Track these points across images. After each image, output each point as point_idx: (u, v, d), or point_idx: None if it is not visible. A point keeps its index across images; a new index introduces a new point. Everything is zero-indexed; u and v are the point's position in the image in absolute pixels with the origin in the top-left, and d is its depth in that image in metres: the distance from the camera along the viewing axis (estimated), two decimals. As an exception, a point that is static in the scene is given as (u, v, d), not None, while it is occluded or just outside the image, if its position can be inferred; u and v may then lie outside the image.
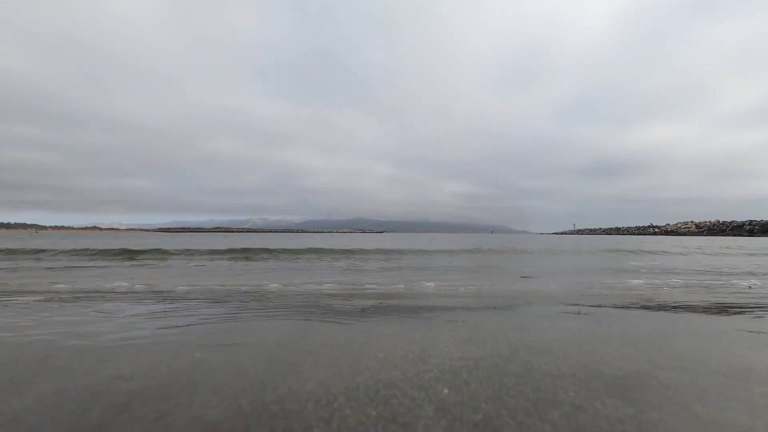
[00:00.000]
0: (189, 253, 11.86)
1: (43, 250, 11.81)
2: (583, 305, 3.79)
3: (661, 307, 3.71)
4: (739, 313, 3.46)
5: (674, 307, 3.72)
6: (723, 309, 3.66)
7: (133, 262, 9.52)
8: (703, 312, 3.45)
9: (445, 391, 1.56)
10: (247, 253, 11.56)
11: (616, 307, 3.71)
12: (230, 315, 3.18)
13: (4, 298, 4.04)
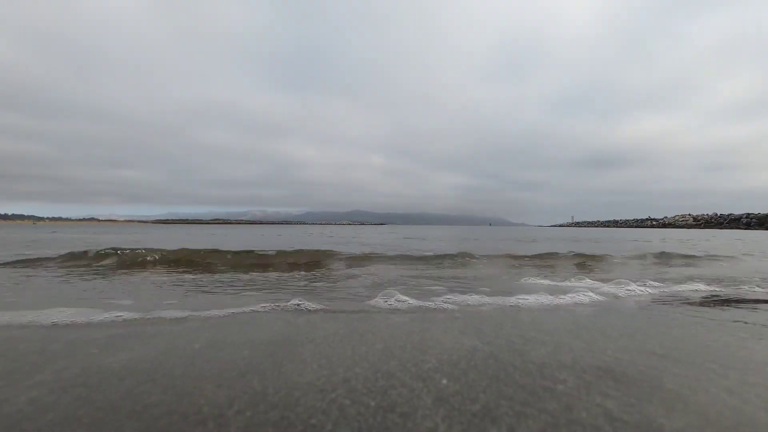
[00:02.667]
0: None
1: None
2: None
3: (659, 299, 3.73)
4: (737, 305, 3.48)
5: (672, 299, 3.74)
6: (721, 301, 3.69)
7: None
8: (700, 304, 3.48)
9: (444, 381, 1.57)
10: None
11: (618, 301, 3.73)
12: (230, 304, 3.18)
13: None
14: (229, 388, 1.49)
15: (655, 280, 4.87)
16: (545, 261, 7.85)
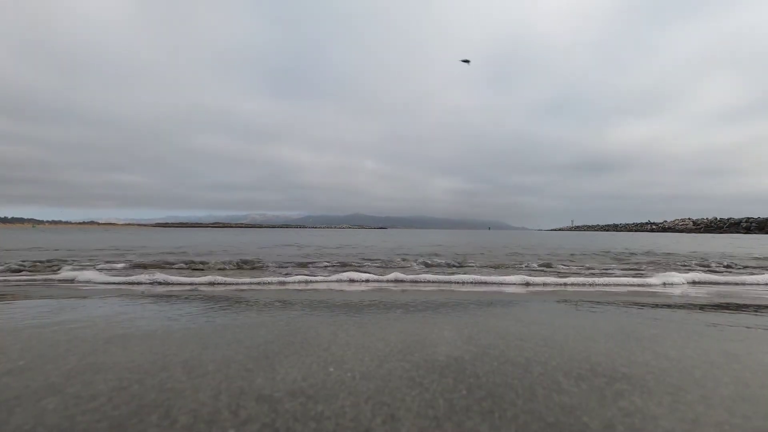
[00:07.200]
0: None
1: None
2: (581, 300, 3.79)
3: (661, 304, 3.71)
4: (738, 309, 3.47)
5: (674, 305, 3.73)
6: (721, 306, 3.67)
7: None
8: (700, 310, 3.46)
9: (443, 384, 1.55)
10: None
11: (615, 303, 3.71)
12: (222, 309, 3.17)
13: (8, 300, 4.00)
14: (226, 389, 1.47)
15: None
16: None
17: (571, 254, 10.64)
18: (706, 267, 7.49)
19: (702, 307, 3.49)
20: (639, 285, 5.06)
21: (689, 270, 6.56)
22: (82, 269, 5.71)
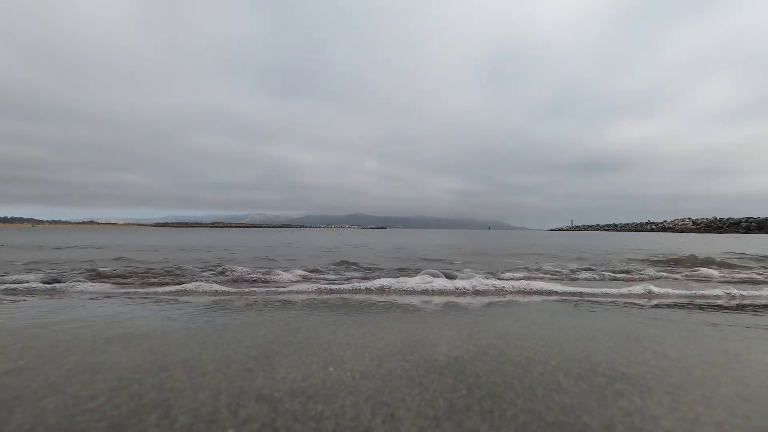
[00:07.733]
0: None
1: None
2: (581, 300, 3.79)
3: (662, 304, 3.71)
4: (737, 309, 3.46)
5: (674, 304, 3.73)
6: (721, 306, 3.67)
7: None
8: (699, 310, 3.46)
9: (443, 383, 1.55)
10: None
11: (615, 303, 3.71)
12: (220, 310, 3.16)
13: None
14: (224, 389, 1.47)
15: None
16: None
17: (632, 258, 10.39)
18: None
19: (702, 307, 3.49)
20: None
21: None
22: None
